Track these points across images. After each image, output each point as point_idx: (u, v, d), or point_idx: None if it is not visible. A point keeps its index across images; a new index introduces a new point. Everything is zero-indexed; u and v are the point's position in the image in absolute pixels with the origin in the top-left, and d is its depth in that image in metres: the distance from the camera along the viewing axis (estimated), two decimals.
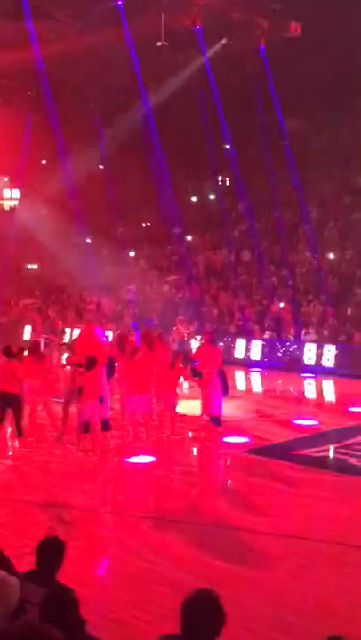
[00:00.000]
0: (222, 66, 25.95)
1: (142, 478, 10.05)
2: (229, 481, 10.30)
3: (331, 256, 25.29)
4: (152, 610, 5.66)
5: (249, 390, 17.96)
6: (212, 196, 33.86)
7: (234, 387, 18.05)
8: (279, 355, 21.85)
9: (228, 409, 14.02)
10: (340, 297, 22.85)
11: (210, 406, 12.56)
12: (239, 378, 19.34)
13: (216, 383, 12.57)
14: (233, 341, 22.53)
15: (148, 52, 24.22)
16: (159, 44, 24.29)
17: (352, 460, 10.68)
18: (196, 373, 13.03)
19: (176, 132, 29.31)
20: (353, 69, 25.99)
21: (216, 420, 12.51)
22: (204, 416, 12.83)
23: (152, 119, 25.94)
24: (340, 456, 11.10)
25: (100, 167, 31.59)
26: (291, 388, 18.34)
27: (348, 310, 21.95)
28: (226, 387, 12.96)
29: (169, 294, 27.83)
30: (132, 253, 31.82)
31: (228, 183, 32.92)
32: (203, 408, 12.73)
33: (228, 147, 27.95)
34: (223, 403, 12.73)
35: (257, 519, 8.11)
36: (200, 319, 24.68)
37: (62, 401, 12.07)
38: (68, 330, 23.34)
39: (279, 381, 19.13)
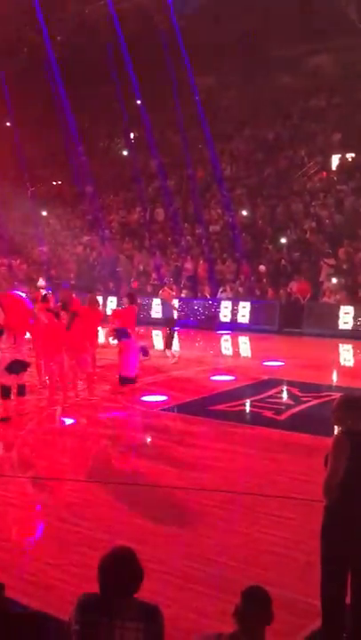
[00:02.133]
0: (131, 19, 25.39)
1: (60, 441, 9.97)
2: (148, 439, 10.36)
3: (244, 213, 25.47)
4: (72, 571, 5.65)
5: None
6: (124, 153, 33.37)
7: (152, 346, 18.15)
8: (184, 312, 22.02)
9: (147, 368, 14.12)
10: (253, 254, 23.13)
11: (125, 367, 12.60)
12: (157, 337, 19.40)
13: (133, 344, 12.61)
14: (150, 301, 22.52)
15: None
16: None
17: (267, 413, 10.94)
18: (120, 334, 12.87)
19: (86, 87, 28.59)
20: (261, 24, 25.92)
21: (128, 380, 12.56)
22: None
23: (60, 74, 25.18)
24: (256, 409, 11.35)
25: (8, 124, 30.52)
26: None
27: (262, 267, 22.26)
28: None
29: (83, 255, 27.44)
30: (43, 213, 31.11)
31: (140, 140, 32.51)
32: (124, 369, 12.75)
33: (139, 102, 27.53)
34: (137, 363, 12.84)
35: (175, 475, 8.19)
36: (116, 280, 24.51)
37: None
38: None
39: (198, 343, 19.32)
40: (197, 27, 25.33)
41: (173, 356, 15.47)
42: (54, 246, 28.66)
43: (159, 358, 16.04)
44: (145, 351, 13.17)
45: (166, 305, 16.20)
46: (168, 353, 15.60)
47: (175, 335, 16.06)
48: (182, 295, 22.95)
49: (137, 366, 12.76)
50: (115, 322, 13.05)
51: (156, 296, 22.44)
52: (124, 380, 12.54)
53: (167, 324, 16.03)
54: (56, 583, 5.54)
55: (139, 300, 16.83)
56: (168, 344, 15.75)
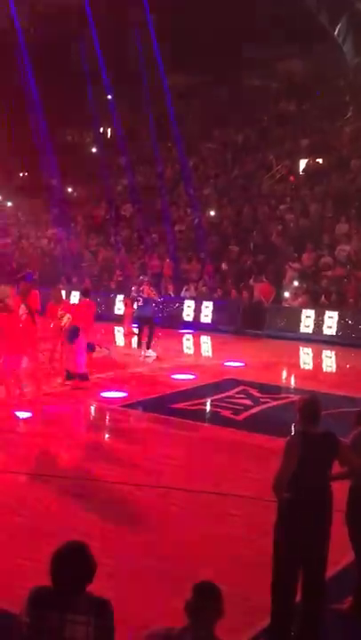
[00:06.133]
0: (102, 14, 25.28)
1: (16, 435, 9.90)
2: (105, 435, 10.35)
3: (211, 213, 25.57)
4: (26, 564, 5.63)
5: (128, 345, 18.00)
6: (93, 149, 33.18)
7: (113, 342, 18.13)
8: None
9: (108, 364, 14.12)
10: (218, 254, 23.22)
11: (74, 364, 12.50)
12: (119, 334, 19.37)
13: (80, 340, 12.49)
14: (113, 297, 22.47)
15: None
16: None
17: (225, 413, 11.02)
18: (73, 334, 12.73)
19: (56, 81, 28.34)
20: (233, 27, 26.05)
21: (83, 376, 12.45)
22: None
23: (29, 67, 24.93)
24: (215, 409, 11.42)
25: None
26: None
27: (224, 266, 22.39)
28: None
29: (47, 248, 27.24)
30: (9, 204, 30.80)
31: (109, 135, 32.36)
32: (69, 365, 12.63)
33: (109, 97, 27.42)
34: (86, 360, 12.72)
35: (130, 472, 8.21)
36: (80, 275, 24.38)
37: None
38: None
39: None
40: (170, 25, 25.35)
41: (150, 356, 15.47)
42: (18, 238, 28.40)
43: (121, 355, 16.03)
44: (91, 347, 13.06)
45: (148, 303, 15.92)
46: (150, 352, 15.55)
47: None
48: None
49: (85, 363, 12.61)
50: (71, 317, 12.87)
51: (120, 293, 22.42)
52: (72, 376, 12.44)
53: (148, 323, 15.81)
54: (7, 576, 5.52)
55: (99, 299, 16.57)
56: (149, 343, 15.63)
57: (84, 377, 12.48)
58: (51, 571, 3.22)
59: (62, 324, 12.76)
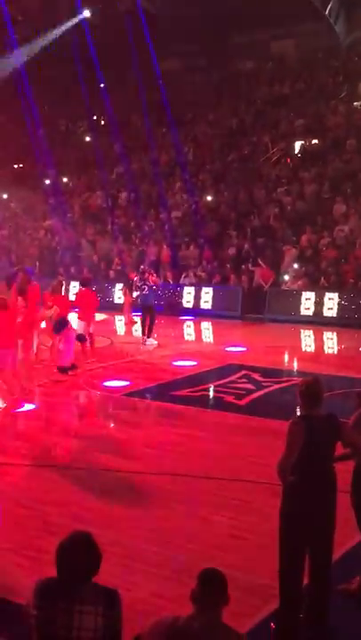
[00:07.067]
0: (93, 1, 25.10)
1: (20, 426, 9.91)
2: (109, 424, 10.34)
3: (208, 198, 25.44)
4: (32, 555, 5.63)
5: (129, 334, 18.00)
6: (87, 138, 32.98)
7: (114, 331, 18.11)
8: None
9: (110, 354, 14.11)
10: (216, 240, 23.12)
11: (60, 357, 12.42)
12: (119, 323, 19.34)
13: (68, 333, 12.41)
14: (112, 286, 22.42)
15: None
16: None
17: (229, 398, 11.01)
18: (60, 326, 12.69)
19: (48, 69, 28.16)
20: (226, 9, 25.83)
21: (64, 369, 12.35)
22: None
23: (21, 56, 24.77)
24: (218, 394, 11.41)
25: None
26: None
27: (225, 253, 22.30)
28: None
29: (45, 239, 27.13)
30: (4, 196, 30.66)
31: (103, 123, 32.15)
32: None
33: (102, 86, 27.23)
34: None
35: (137, 460, 8.21)
36: (78, 265, 24.30)
37: None
38: None
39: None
40: (162, 10, 25.12)
41: (151, 344, 15.47)
42: (15, 230, 28.29)
43: (123, 344, 16.04)
44: (81, 338, 13.07)
45: (151, 292, 15.90)
46: (151, 341, 15.54)
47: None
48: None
49: (72, 355, 12.51)
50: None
51: (119, 281, 22.33)
52: (62, 370, 12.36)
53: (150, 311, 15.76)
54: (14, 568, 5.52)
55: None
56: (150, 331, 15.64)
57: (67, 369, 12.38)
58: (56, 562, 3.22)
59: (49, 315, 12.69)
